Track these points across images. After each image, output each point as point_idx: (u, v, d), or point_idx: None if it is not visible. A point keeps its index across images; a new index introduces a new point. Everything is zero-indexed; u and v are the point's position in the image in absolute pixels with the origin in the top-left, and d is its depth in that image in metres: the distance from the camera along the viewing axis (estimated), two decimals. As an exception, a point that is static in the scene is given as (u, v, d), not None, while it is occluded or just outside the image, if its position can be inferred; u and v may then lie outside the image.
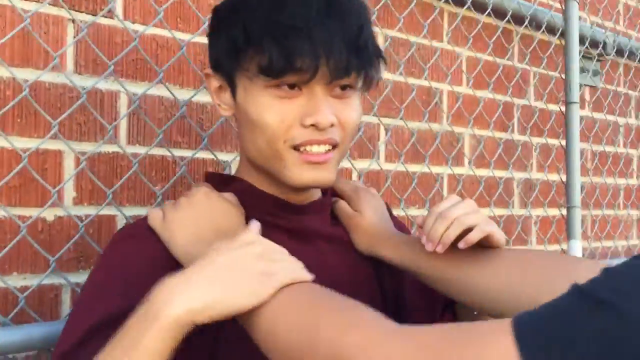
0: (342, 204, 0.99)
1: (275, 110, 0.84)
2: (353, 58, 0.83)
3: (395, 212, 1.13)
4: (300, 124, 0.84)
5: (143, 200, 1.20)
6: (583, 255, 1.96)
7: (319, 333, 0.65)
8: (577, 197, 1.89)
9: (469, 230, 0.83)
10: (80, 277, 1.12)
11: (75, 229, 1.10)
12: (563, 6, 1.95)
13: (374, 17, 1.56)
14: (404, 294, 1.00)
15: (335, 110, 0.85)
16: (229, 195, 0.90)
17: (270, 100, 0.84)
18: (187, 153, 1.25)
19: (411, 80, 1.69)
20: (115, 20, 1.18)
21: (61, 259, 1.10)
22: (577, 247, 1.87)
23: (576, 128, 1.90)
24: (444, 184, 1.78)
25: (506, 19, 1.87)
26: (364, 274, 0.96)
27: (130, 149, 1.19)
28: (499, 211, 1.92)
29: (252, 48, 0.83)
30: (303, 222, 0.92)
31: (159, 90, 1.22)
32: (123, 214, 1.16)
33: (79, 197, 1.13)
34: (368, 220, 0.96)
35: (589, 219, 2.26)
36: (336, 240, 0.96)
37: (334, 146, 0.86)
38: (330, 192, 1.00)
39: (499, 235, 0.85)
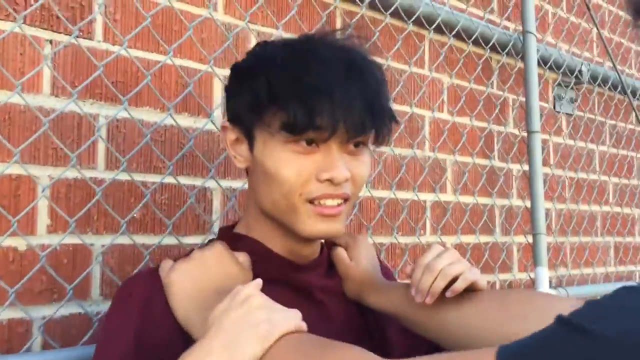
0: (341, 253, 1.03)
1: (293, 165, 0.87)
2: (369, 119, 0.88)
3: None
4: (316, 178, 0.88)
5: (118, 229, 1.15)
6: (550, 282, 1.96)
7: None
8: (542, 224, 1.89)
9: (454, 279, 0.88)
10: (53, 309, 1.06)
11: (48, 258, 1.04)
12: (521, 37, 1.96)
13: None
14: (388, 338, 1.04)
15: (349, 166, 0.89)
16: (243, 257, 0.93)
17: (288, 155, 0.88)
18: (156, 179, 1.21)
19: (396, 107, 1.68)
20: (94, 42, 1.14)
21: (32, 290, 1.04)
22: (544, 274, 1.86)
23: (538, 156, 1.92)
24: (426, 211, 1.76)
25: (489, 44, 1.88)
26: (357, 322, 1.01)
27: (109, 174, 1.14)
28: (484, 238, 1.90)
29: (276, 105, 0.87)
30: (304, 279, 0.97)
31: (139, 114, 1.18)
32: (87, 243, 1.10)
33: (54, 226, 1.08)
34: (361, 270, 1.00)
35: (568, 246, 2.26)
36: (332, 292, 1.00)
37: (346, 200, 0.91)
38: (328, 244, 1.06)
39: (482, 282, 0.90)
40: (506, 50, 1.97)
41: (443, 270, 0.87)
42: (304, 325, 0.76)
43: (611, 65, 2.38)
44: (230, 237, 0.97)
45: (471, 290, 0.90)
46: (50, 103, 1.08)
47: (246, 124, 0.91)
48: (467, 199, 1.87)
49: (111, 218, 1.14)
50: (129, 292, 0.89)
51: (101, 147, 1.14)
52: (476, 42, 1.87)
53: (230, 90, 0.96)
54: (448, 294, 0.88)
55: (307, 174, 0.87)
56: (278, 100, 0.86)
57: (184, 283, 0.85)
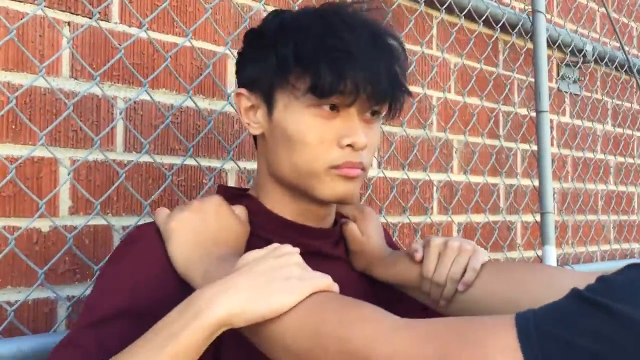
0: (353, 227, 1.02)
1: (316, 129, 0.88)
2: (390, 88, 0.89)
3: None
4: (337, 145, 0.88)
5: (139, 210, 1.16)
6: (557, 260, 1.98)
7: (327, 329, 0.68)
8: (550, 203, 1.90)
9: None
10: (76, 290, 1.07)
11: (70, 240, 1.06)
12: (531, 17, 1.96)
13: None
14: (398, 312, 1.03)
15: (367, 134, 0.90)
16: (240, 210, 0.92)
17: (311, 119, 0.88)
18: (177, 160, 1.22)
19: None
20: (112, 24, 1.14)
21: (55, 271, 1.05)
22: (551, 252, 1.88)
23: (547, 136, 1.92)
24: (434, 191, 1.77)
25: (480, 21, 1.88)
26: (364, 291, 1.01)
27: (127, 156, 1.15)
28: (477, 218, 1.92)
29: (303, 67, 0.86)
30: (307, 243, 0.93)
31: (155, 96, 1.19)
32: (111, 225, 1.11)
33: (75, 207, 1.09)
34: (372, 244, 1.01)
35: (569, 224, 2.28)
36: (338, 260, 1.00)
37: (363, 169, 0.92)
38: (338, 217, 1.04)
39: (486, 259, 0.93)
40: (515, 30, 1.97)
41: (449, 277, 0.91)
42: (335, 286, 0.75)
43: (616, 45, 2.38)
44: (230, 194, 0.95)
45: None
46: (69, 86, 1.08)
47: (266, 88, 0.90)
48: (476, 179, 1.89)
49: (129, 200, 1.15)
50: (131, 241, 0.88)
51: (119, 130, 1.15)
52: (486, 22, 1.87)
53: (247, 55, 0.95)
54: (460, 288, 0.90)
55: (330, 140, 0.87)
56: (306, 62, 0.86)
57: (184, 231, 0.84)
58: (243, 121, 0.94)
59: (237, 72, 0.97)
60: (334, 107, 0.88)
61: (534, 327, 0.58)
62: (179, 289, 0.80)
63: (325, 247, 0.97)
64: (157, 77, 1.20)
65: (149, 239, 0.86)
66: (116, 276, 0.84)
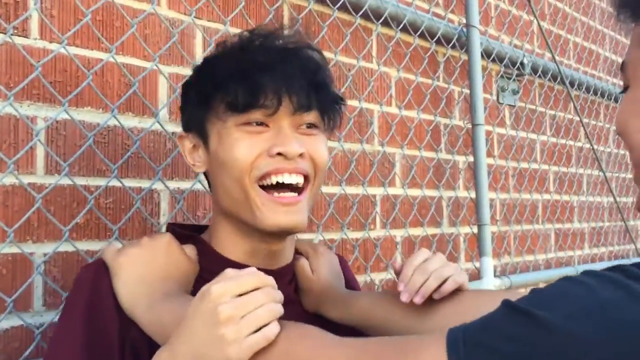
0: (304, 264, 1.00)
1: (244, 144, 0.87)
2: (313, 94, 0.89)
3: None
4: (267, 154, 0.87)
5: (60, 236, 1.10)
6: (495, 271, 2.00)
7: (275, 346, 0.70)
8: (487, 214, 1.93)
9: (443, 282, 0.89)
10: (-7, 324, 1.01)
11: None
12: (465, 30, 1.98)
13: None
14: None
15: (304, 144, 0.89)
16: (190, 250, 0.93)
17: (240, 135, 0.88)
18: (101, 182, 1.16)
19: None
20: (31, 40, 1.08)
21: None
22: (488, 263, 1.90)
23: (483, 149, 1.95)
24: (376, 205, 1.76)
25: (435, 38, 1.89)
26: None
27: (49, 179, 1.09)
28: (431, 230, 1.92)
29: (220, 91, 0.89)
30: None
31: (80, 115, 1.13)
32: (25, 254, 1.05)
33: (-10, 234, 1.02)
34: (322, 283, 1.00)
35: (511, 234, 2.31)
36: (288, 302, 0.96)
37: (306, 179, 0.90)
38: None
39: (467, 284, 0.91)
40: (451, 44, 1.99)
41: (436, 272, 0.87)
42: (275, 330, 0.72)
43: (551, 56, 2.43)
44: (179, 234, 0.95)
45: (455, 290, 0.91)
46: (-16, 106, 1.02)
47: (198, 123, 0.92)
48: (415, 192, 1.88)
49: (53, 225, 1.09)
50: (78, 287, 0.88)
51: (40, 151, 1.08)
52: (422, 36, 1.88)
53: (183, 101, 0.98)
54: (436, 295, 0.88)
55: (258, 151, 0.87)
56: (221, 84, 0.88)
57: (132, 267, 0.85)
58: (189, 162, 0.96)
59: (181, 120, 1.00)
60: (261, 123, 0.88)
61: (462, 338, 0.62)
62: (120, 319, 0.84)
63: (282, 290, 0.95)
64: (82, 95, 1.14)
65: (97, 280, 0.86)
66: (69, 331, 0.85)
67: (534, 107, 2.49)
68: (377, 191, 1.77)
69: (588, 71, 2.91)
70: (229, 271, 0.73)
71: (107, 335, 0.84)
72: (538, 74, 2.43)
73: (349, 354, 0.67)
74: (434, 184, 1.95)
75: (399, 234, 1.82)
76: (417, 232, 1.88)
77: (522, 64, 2.28)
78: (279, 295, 0.74)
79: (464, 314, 0.85)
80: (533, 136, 2.47)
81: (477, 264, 1.96)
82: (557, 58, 2.44)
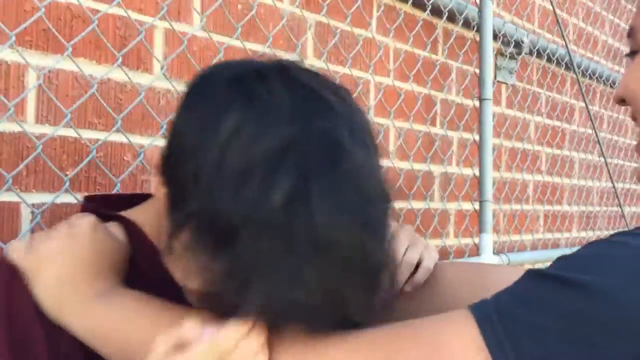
0: None
1: None
2: None
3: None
4: None
5: (51, 186, 1.09)
6: (493, 248, 2.01)
7: None
8: (489, 191, 1.93)
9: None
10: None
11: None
12: (478, 2, 1.97)
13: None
14: None
15: None
16: (116, 229, 0.76)
17: None
18: (101, 135, 1.15)
19: (335, 69, 1.65)
20: (25, -15, 1.05)
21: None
22: (488, 240, 1.91)
23: (489, 124, 1.94)
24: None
25: (426, 12, 1.87)
26: None
27: (39, 129, 1.07)
28: (417, 204, 1.92)
29: None
30: None
31: (72, 65, 1.11)
32: (24, 201, 1.04)
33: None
34: None
35: (500, 213, 2.32)
36: None
37: None
38: None
39: (432, 265, 0.81)
40: (463, 17, 1.97)
41: (404, 260, 0.78)
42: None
43: (549, 37, 2.41)
44: (101, 213, 0.77)
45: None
46: (-25, 49, 1.00)
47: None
48: (420, 166, 1.89)
49: (42, 175, 1.07)
50: None
51: (31, 101, 1.07)
52: (432, 11, 1.87)
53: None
54: (407, 288, 0.79)
55: None
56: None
57: (53, 266, 0.68)
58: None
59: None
60: None
61: (496, 316, 0.53)
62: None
63: None
64: (76, 46, 1.12)
65: (11, 288, 0.69)
66: None
67: (533, 87, 2.48)
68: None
69: (585, 54, 2.90)
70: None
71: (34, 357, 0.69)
72: (535, 55, 2.42)
73: (357, 352, 0.57)
74: (439, 159, 1.95)
75: (401, 205, 1.82)
76: (419, 205, 1.88)
77: (522, 43, 2.26)
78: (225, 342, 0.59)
79: (451, 290, 0.77)
80: (530, 117, 2.46)
81: (476, 240, 1.96)
82: (555, 39, 2.42)
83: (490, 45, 1.95)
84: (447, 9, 1.93)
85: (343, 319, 0.59)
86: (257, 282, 0.56)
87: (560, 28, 2.31)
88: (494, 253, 1.99)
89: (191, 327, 0.59)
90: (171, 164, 0.65)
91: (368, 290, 0.59)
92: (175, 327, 0.59)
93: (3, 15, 1.03)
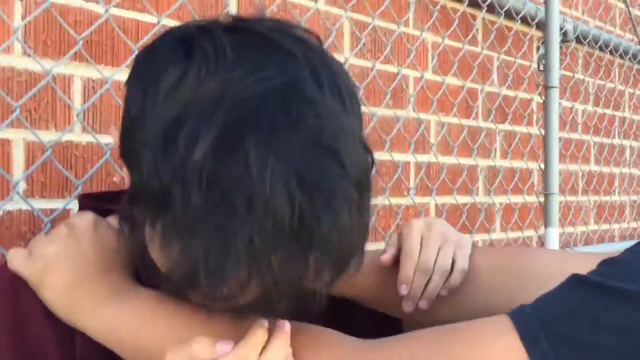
0: None
1: None
2: None
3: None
4: None
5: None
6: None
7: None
8: (555, 184, 1.90)
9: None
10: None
11: (26, 224, 1.01)
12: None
13: None
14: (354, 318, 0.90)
15: None
16: (116, 222, 0.70)
17: None
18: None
19: (373, 65, 1.65)
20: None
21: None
22: (554, 234, 1.87)
23: (555, 113, 1.90)
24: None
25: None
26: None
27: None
28: (463, 199, 1.90)
29: None
30: None
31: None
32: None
33: (30, 190, 1.04)
34: None
35: (575, 205, 2.27)
36: None
37: None
38: None
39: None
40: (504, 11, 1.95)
41: (439, 265, 0.74)
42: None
43: (599, 24, 2.35)
44: (97, 208, 0.74)
45: None
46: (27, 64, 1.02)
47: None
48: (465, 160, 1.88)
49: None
50: None
51: None
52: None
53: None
54: (443, 292, 0.75)
55: None
56: None
57: (59, 271, 0.65)
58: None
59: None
60: None
61: (540, 328, 0.51)
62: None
63: None
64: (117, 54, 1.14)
65: (16, 295, 0.67)
66: None
67: (577, 75, 2.42)
68: (419, 158, 1.75)
69: (626, 36, 2.80)
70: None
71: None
72: (586, 42, 2.35)
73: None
74: (470, 151, 1.92)
75: (464, 200, 1.81)
76: (447, 200, 1.86)
77: (567, 30, 2.21)
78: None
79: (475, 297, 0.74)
80: (576, 106, 2.40)
81: (511, 236, 1.93)
82: (598, 23, 2.35)
83: (556, 31, 1.92)
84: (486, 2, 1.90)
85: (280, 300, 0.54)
86: (193, 250, 0.51)
87: (631, 17, 2.23)
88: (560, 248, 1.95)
89: (203, 346, 0.56)
90: (125, 142, 0.61)
91: (299, 268, 0.52)
92: (185, 346, 0.56)
93: None
